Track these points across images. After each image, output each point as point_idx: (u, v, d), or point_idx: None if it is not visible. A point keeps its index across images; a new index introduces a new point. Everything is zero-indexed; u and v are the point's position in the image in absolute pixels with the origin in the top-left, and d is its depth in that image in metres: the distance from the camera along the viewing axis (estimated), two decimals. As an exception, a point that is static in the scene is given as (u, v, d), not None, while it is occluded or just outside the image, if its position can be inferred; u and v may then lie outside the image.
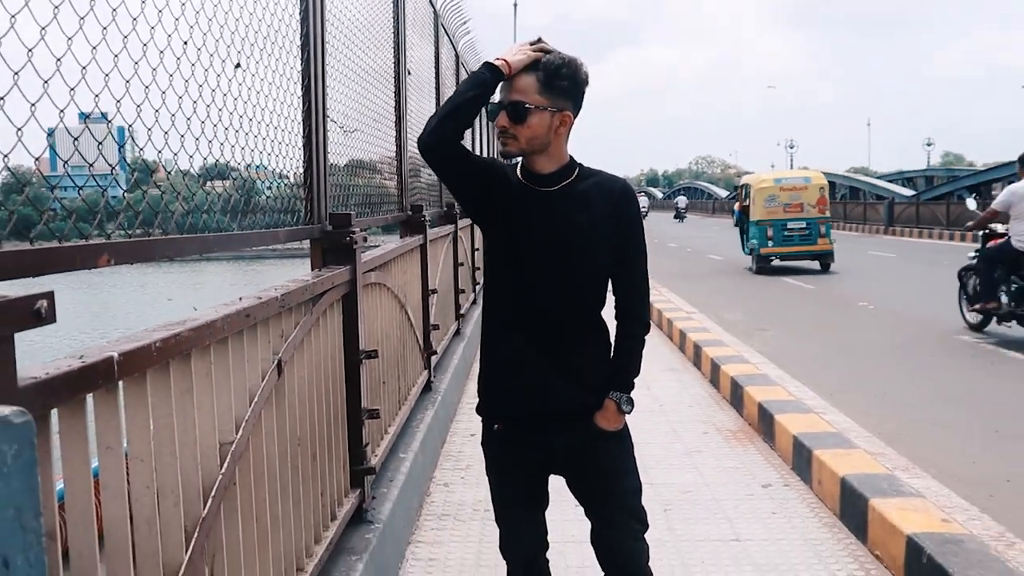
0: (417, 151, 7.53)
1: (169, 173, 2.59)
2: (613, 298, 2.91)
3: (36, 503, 1.18)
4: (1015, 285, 10.37)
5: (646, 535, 2.96)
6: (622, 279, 2.88)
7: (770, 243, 21.75)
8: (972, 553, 3.83)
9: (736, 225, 25.14)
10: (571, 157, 2.84)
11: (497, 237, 2.88)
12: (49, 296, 1.43)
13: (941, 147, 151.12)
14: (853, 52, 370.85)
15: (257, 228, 3.22)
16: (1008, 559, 3.88)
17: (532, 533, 3.06)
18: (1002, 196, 10.73)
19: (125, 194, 2.21)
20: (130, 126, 2.24)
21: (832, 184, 55.79)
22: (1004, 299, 10.53)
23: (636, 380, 2.90)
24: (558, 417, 2.84)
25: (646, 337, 2.93)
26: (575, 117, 2.79)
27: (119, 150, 2.23)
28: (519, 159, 2.84)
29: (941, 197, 41.43)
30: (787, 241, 21.75)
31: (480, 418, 3.01)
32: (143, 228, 2.31)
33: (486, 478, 3.10)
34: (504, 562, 3.13)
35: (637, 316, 2.90)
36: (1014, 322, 10.55)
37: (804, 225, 21.78)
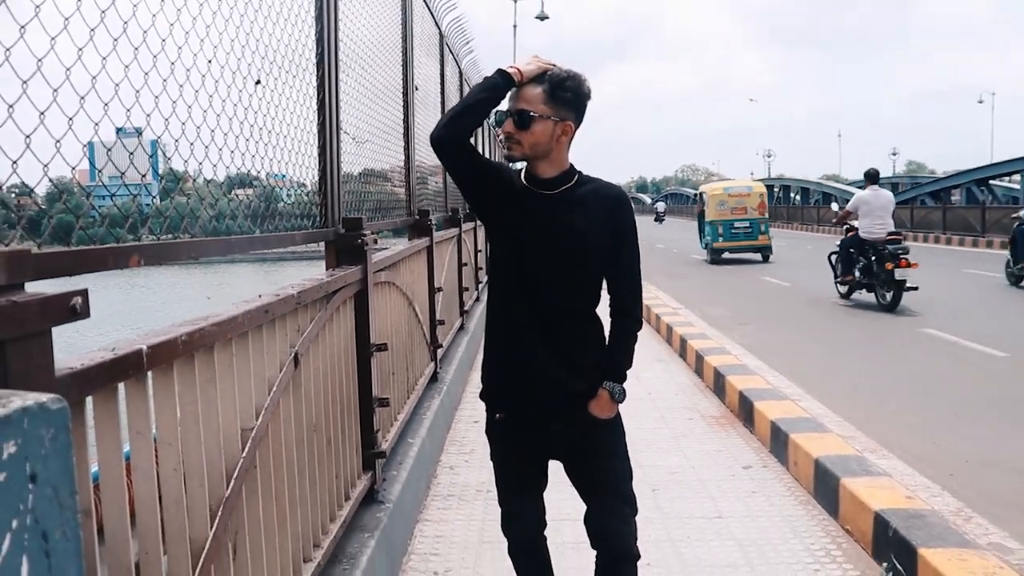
0: (424, 161, 7.52)
1: (195, 181, 2.60)
2: (608, 296, 2.90)
3: (71, 482, 1.18)
4: (862, 263, 13.60)
5: (636, 516, 2.96)
6: (616, 279, 2.87)
7: (720, 239, 25.63)
8: (933, 527, 3.83)
9: (698, 225, 28.37)
10: (571, 164, 2.84)
11: (501, 235, 2.87)
12: (83, 293, 1.44)
13: (905, 156, 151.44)
14: (825, 70, 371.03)
15: (276, 232, 3.23)
16: (966, 532, 3.89)
17: (532, 514, 3.06)
18: (852, 201, 14.29)
19: (156, 201, 2.22)
20: (159, 138, 2.25)
21: (806, 190, 55.85)
22: (857, 274, 13.78)
23: (628, 371, 2.89)
24: (555, 406, 2.83)
25: (638, 333, 2.93)
26: (576, 127, 2.79)
27: (150, 160, 2.24)
28: (522, 164, 2.85)
29: (906, 202, 41.39)
30: (734, 237, 25.66)
31: (483, 406, 3.02)
32: (172, 233, 2.32)
33: (490, 462, 3.11)
34: (505, 539, 3.13)
35: (630, 313, 2.89)
36: (863, 289, 13.71)
37: (747, 224, 25.74)
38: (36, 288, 1.40)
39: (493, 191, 2.82)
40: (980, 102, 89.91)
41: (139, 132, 2.10)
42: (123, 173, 1.96)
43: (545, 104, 2.68)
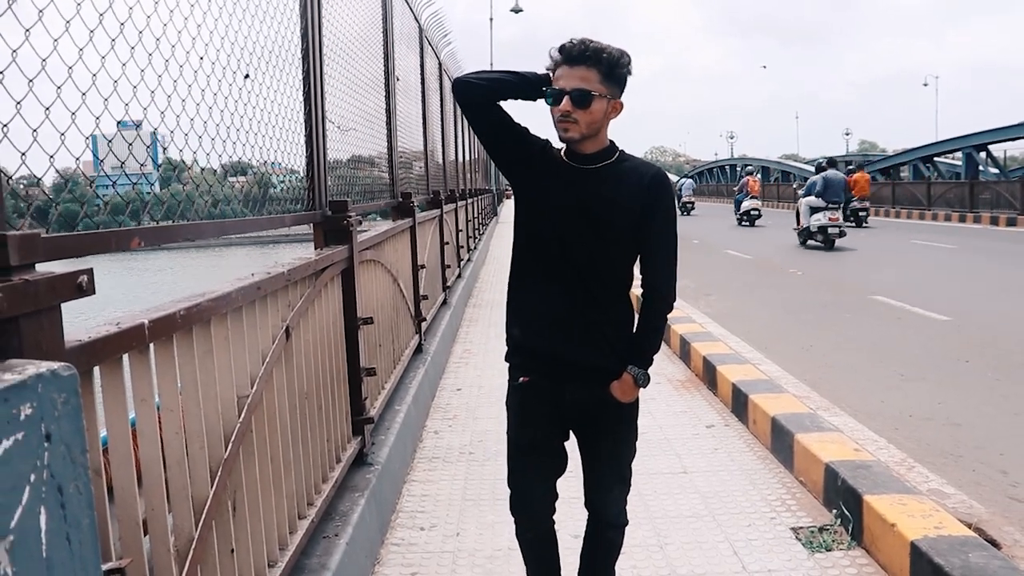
0: (407, 147, 7.50)
1: (190, 169, 2.62)
2: (640, 276, 2.78)
3: (83, 442, 1.23)
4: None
5: (629, 491, 2.94)
6: (648, 258, 2.73)
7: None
8: (878, 476, 3.93)
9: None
10: (612, 141, 2.72)
11: (536, 203, 2.71)
12: (89, 272, 1.48)
13: (858, 136, 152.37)
14: (781, 56, 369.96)
15: (267, 214, 3.25)
16: (908, 479, 3.99)
17: (538, 497, 2.91)
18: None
19: (155, 189, 2.25)
20: (155, 130, 2.27)
21: (766, 169, 56.02)
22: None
23: (654, 356, 2.79)
24: (579, 376, 2.72)
25: (667, 315, 2.81)
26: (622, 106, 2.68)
27: (148, 151, 2.27)
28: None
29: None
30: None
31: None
32: (171, 218, 2.35)
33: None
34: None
35: (661, 294, 2.74)
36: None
37: None
38: (46, 268, 1.44)
39: (527, 156, 2.73)
40: (925, 85, 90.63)
41: (138, 125, 2.12)
42: (123, 163, 1.99)
43: (601, 83, 2.56)
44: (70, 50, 1.67)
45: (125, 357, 1.77)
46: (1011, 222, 25.53)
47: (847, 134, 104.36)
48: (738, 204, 29.60)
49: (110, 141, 1.96)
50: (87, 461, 1.26)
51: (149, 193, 2.23)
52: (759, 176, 44.18)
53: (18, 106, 1.52)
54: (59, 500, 1.16)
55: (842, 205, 19.42)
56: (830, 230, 18.29)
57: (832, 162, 13.88)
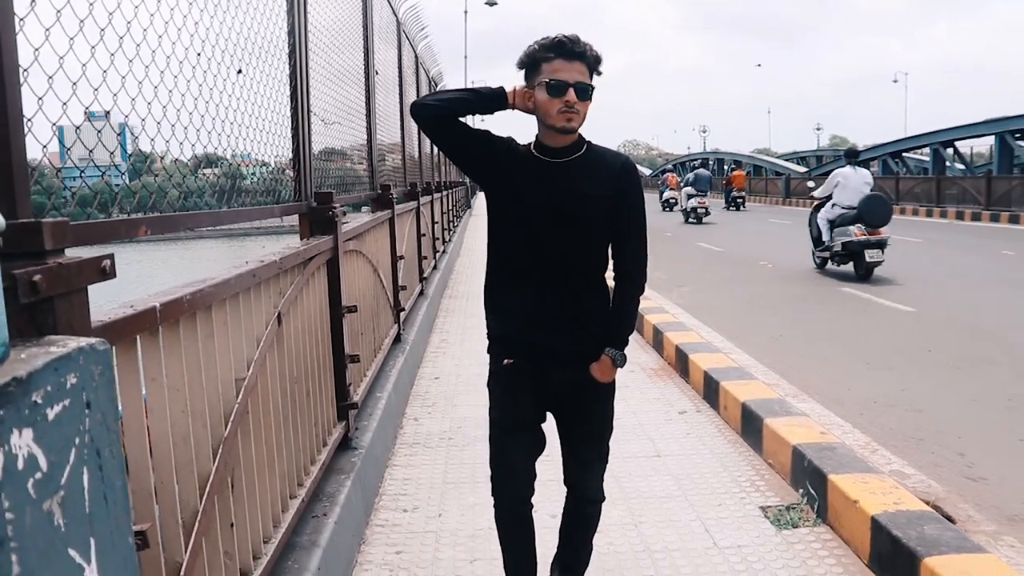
0: (385, 140, 7.59)
1: (176, 162, 2.72)
2: (612, 262, 2.88)
3: (115, 410, 1.35)
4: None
5: (606, 468, 3.06)
6: (621, 245, 2.82)
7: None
8: (842, 457, 4.10)
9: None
10: (580, 134, 2.78)
11: (509, 202, 2.78)
12: (111, 257, 1.59)
13: (829, 131, 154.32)
14: (754, 52, 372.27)
15: (259, 205, 3.36)
16: (871, 461, 4.17)
17: (523, 474, 2.97)
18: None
19: (156, 180, 2.35)
20: (140, 124, 2.37)
21: (738, 162, 56.51)
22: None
23: (630, 336, 2.89)
24: (559, 359, 2.81)
25: (640, 297, 2.91)
26: None
27: (121, 144, 2.37)
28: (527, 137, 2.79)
29: (828, 173, 42.17)
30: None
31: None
32: (170, 208, 2.46)
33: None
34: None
35: (632, 278, 2.85)
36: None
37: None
38: (72, 254, 1.55)
39: (494, 158, 2.78)
40: (895, 81, 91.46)
41: (122, 124, 2.22)
42: (131, 155, 2.09)
43: (590, 78, 2.68)
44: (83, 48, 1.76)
45: (138, 337, 1.88)
46: (976, 217, 26.03)
47: (818, 130, 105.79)
48: (661, 194, 35.81)
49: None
50: (119, 428, 1.38)
51: (152, 184, 2.33)
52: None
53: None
54: (98, 462, 1.28)
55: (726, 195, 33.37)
56: (698, 209, 27.05)
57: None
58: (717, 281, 13.41)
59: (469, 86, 2.84)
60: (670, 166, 55.36)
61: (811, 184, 17.74)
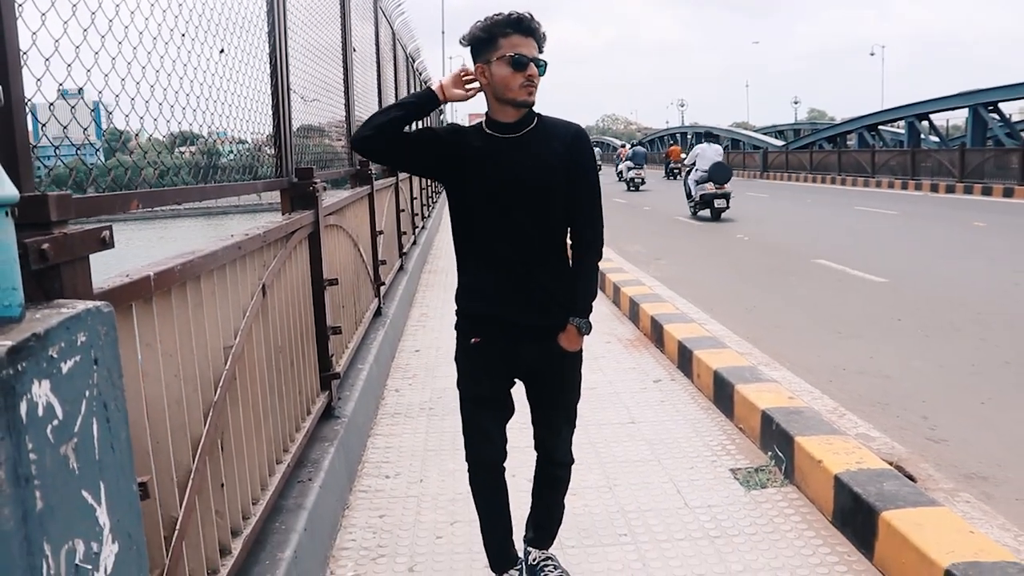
0: (362, 116, 7.66)
1: (154, 139, 2.81)
2: (570, 230, 2.92)
3: (119, 367, 1.47)
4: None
5: (574, 432, 3.16)
6: (578, 213, 2.85)
7: None
8: (809, 420, 4.27)
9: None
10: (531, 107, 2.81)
11: (471, 183, 2.79)
12: (109, 227, 1.69)
13: (807, 104, 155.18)
14: (730, 26, 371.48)
15: (242, 181, 3.46)
16: (837, 424, 4.34)
17: (496, 439, 3.03)
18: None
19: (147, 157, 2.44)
20: (129, 105, 2.46)
21: (716, 137, 56.78)
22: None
23: (592, 303, 2.95)
24: (529, 334, 2.86)
25: (598, 264, 2.97)
26: None
27: (92, 124, 2.46)
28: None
29: (806, 147, 42.56)
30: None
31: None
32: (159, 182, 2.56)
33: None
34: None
35: (591, 246, 2.89)
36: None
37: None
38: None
39: (446, 158, 2.80)
40: (872, 54, 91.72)
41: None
42: (121, 134, 2.19)
43: (540, 53, 2.74)
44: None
45: (133, 305, 1.99)
46: (950, 189, 26.37)
47: (796, 103, 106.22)
48: (616, 166, 41.92)
49: (126, 117, 2.15)
50: (122, 384, 1.49)
51: (146, 161, 2.43)
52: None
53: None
54: (105, 414, 1.39)
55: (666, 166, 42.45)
56: (635, 179, 33.95)
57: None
58: (694, 253, 13.58)
59: (393, 101, 2.86)
60: (635, 142, 58.19)
61: (683, 156, 26.33)
